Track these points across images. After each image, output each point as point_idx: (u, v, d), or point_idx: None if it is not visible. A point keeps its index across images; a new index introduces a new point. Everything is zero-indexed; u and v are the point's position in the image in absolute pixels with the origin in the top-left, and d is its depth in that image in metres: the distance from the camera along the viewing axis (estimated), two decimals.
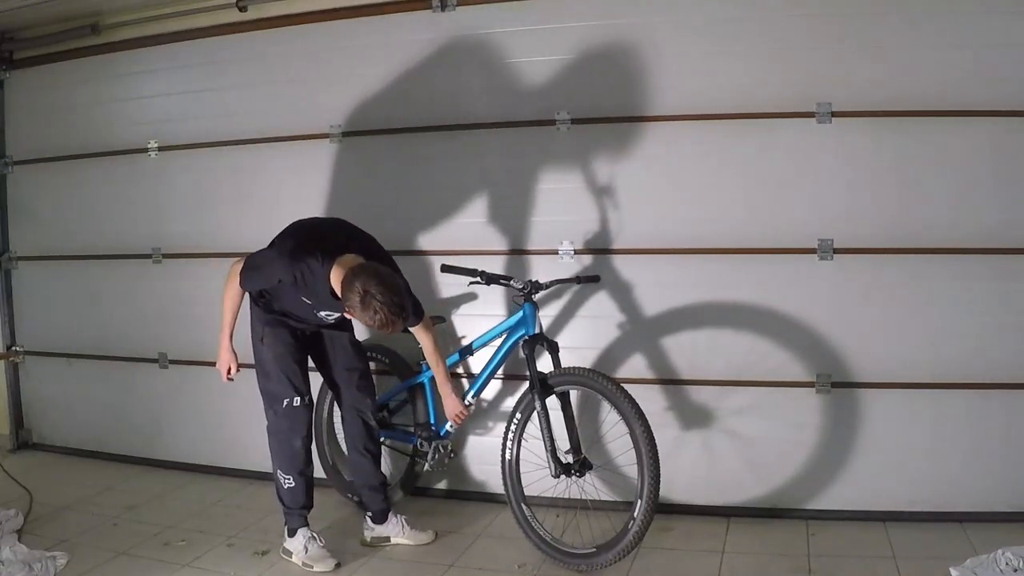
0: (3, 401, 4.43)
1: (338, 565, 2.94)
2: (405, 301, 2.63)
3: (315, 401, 3.19)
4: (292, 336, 2.98)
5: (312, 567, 2.92)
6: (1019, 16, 2.86)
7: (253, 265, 2.83)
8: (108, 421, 4.22)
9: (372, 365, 3.52)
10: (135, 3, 3.85)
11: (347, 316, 2.70)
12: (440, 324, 3.44)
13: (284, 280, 2.75)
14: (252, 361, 3.03)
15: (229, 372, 3.02)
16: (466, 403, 3.18)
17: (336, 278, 2.66)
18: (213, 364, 3.82)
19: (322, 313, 2.87)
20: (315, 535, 2.98)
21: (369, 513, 3.14)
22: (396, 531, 3.11)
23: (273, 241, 2.90)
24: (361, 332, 3.58)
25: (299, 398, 2.95)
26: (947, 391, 3.01)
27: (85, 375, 4.25)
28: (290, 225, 2.92)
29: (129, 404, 4.15)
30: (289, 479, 2.97)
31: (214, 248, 3.74)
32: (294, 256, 2.72)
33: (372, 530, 3.13)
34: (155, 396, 4.08)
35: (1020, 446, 2.97)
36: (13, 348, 4.38)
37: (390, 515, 3.12)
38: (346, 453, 3.27)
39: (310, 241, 2.77)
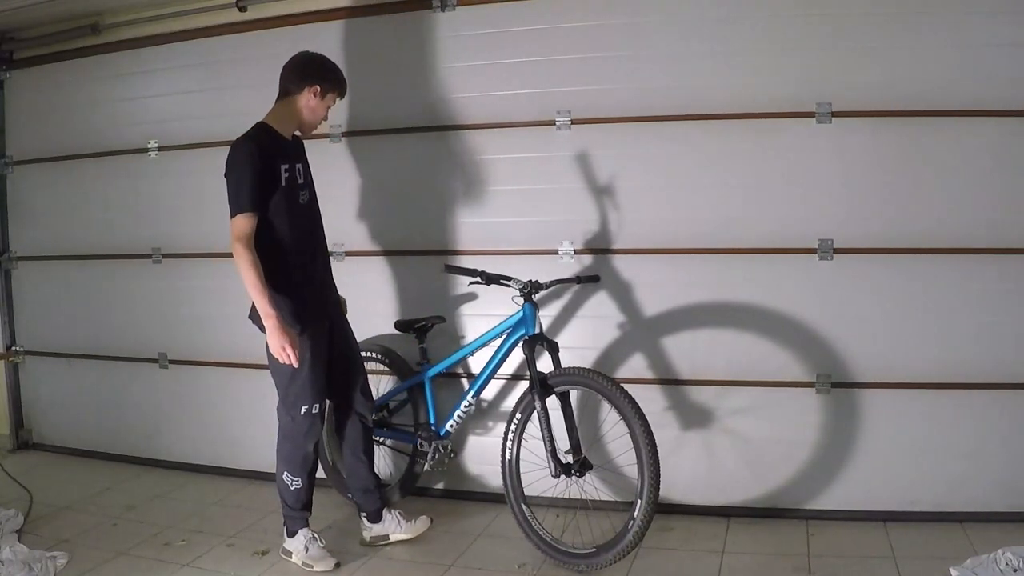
0: (3, 401, 4.43)
1: (338, 565, 2.93)
2: None
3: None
4: (325, 337, 2.91)
5: (312, 567, 2.91)
6: (1018, 16, 2.86)
7: (235, 190, 2.72)
8: (108, 421, 4.21)
9: (372, 365, 3.54)
10: (135, 3, 3.85)
11: (308, 109, 2.85)
12: (440, 324, 3.44)
13: (265, 154, 2.74)
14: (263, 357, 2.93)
15: (293, 354, 2.71)
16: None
17: (273, 110, 2.89)
18: (213, 364, 3.87)
19: (297, 168, 2.87)
20: (315, 535, 2.98)
21: (364, 514, 3.13)
22: (393, 527, 3.11)
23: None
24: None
25: (318, 405, 2.90)
26: (947, 391, 3.01)
27: (85, 375, 4.25)
28: None
29: (129, 404, 4.15)
30: (297, 480, 2.94)
31: (214, 248, 3.73)
32: (241, 139, 2.80)
33: (369, 530, 3.13)
34: (155, 396, 4.08)
35: (1020, 446, 2.97)
36: (13, 348, 4.39)
37: (384, 513, 3.12)
38: (343, 456, 3.21)
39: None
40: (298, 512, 2.98)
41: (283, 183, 2.80)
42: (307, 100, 2.86)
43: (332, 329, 2.98)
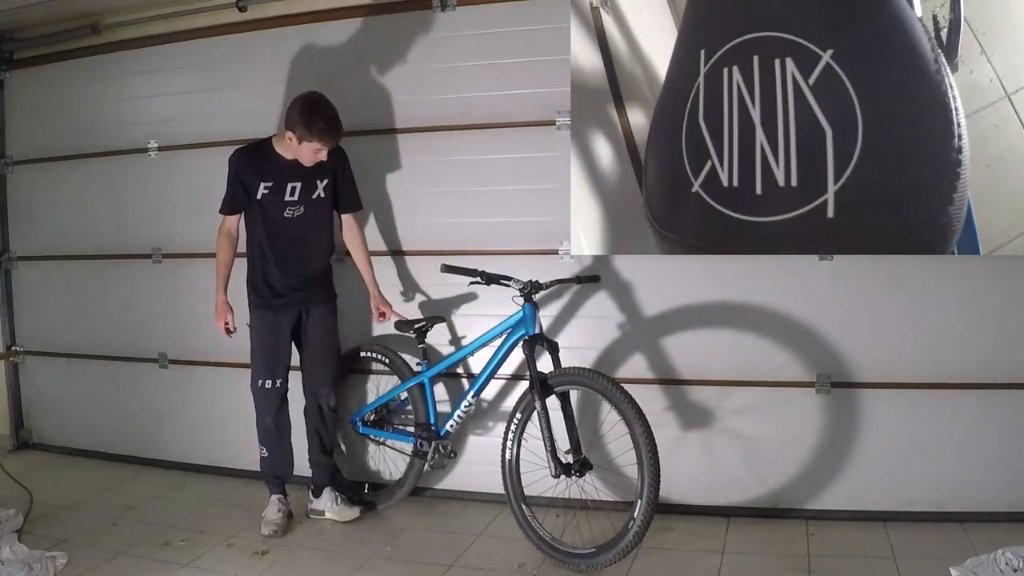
0: (3, 401, 4.43)
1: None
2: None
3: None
4: (277, 324, 3.22)
5: (261, 530, 3.18)
6: None
7: (224, 196, 3.20)
8: (108, 421, 4.21)
9: (372, 365, 3.54)
10: (135, 3, 3.85)
11: (292, 147, 3.03)
12: (440, 324, 3.44)
13: (242, 173, 3.13)
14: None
15: (227, 325, 3.24)
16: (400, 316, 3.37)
17: (279, 137, 3.13)
18: (213, 364, 3.88)
19: (288, 188, 3.13)
20: (280, 503, 3.26)
21: (312, 487, 3.38)
22: (328, 505, 3.32)
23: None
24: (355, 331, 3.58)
25: (271, 381, 3.22)
26: (947, 391, 3.01)
27: (85, 375, 4.25)
28: None
29: (129, 404, 4.15)
30: (264, 450, 3.29)
31: (214, 248, 3.72)
32: (237, 151, 3.18)
33: (311, 503, 3.37)
34: (155, 396, 4.08)
35: (1020, 446, 2.97)
36: (13, 348, 4.39)
37: (325, 491, 3.34)
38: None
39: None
40: (268, 479, 3.32)
41: (259, 197, 3.15)
42: (289, 138, 3.05)
43: (301, 322, 3.27)
